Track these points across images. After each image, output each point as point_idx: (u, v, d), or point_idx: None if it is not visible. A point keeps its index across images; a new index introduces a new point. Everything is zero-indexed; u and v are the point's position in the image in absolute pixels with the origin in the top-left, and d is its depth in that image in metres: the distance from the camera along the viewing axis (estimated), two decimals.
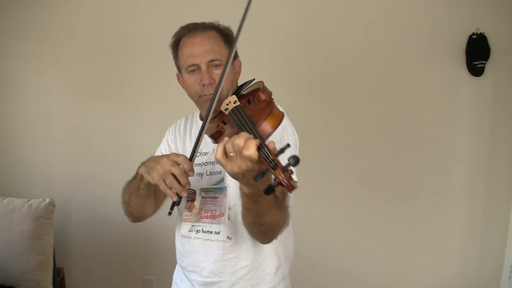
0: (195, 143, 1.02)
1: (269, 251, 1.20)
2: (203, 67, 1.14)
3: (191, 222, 1.23)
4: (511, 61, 2.33)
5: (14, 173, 2.46)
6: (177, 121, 1.40)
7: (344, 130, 2.44)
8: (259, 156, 0.78)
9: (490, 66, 2.31)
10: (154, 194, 1.23)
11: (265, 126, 0.91)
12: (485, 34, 2.28)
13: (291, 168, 0.76)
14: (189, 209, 1.24)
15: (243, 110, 0.96)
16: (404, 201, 2.46)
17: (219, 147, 0.84)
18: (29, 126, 2.44)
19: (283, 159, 0.77)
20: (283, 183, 0.76)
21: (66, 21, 2.38)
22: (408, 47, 2.36)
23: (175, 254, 1.33)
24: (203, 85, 1.14)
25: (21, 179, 2.46)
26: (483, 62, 2.30)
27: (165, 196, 1.30)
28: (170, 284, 1.42)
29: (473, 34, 2.29)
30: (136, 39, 2.38)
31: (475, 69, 2.31)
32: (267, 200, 0.91)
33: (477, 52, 2.28)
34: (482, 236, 2.45)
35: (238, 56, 1.25)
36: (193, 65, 1.15)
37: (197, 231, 1.21)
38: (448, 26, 2.33)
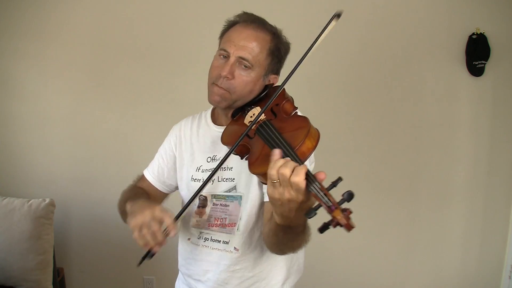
0: (217, 166, 0.94)
1: (277, 261, 1.17)
2: (232, 59, 1.09)
3: (200, 228, 1.19)
4: (511, 61, 2.33)
5: (14, 173, 2.46)
6: (182, 122, 1.31)
7: (344, 130, 2.44)
8: (309, 190, 0.72)
9: (490, 66, 2.31)
10: None
11: (303, 149, 0.81)
12: (485, 34, 2.28)
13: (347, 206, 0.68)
14: (200, 215, 1.19)
15: (273, 126, 0.89)
16: (404, 201, 2.46)
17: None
18: (29, 126, 2.44)
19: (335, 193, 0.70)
20: (342, 224, 0.68)
21: (66, 20, 2.38)
22: (408, 47, 2.36)
23: (176, 256, 1.32)
24: (219, 74, 1.09)
25: (21, 179, 2.45)
26: (483, 62, 2.30)
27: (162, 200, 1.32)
28: (170, 284, 1.41)
29: (473, 34, 2.29)
30: (136, 39, 2.37)
31: (475, 69, 2.31)
32: (296, 231, 0.91)
33: (477, 52, 2.28)
34: (482, 236, 2.45)
35: (279, 74, 1.20)
36: (225, 50, 1.10)
37: (206, 239, 1.18)
38: (448, 26, 2.33)
